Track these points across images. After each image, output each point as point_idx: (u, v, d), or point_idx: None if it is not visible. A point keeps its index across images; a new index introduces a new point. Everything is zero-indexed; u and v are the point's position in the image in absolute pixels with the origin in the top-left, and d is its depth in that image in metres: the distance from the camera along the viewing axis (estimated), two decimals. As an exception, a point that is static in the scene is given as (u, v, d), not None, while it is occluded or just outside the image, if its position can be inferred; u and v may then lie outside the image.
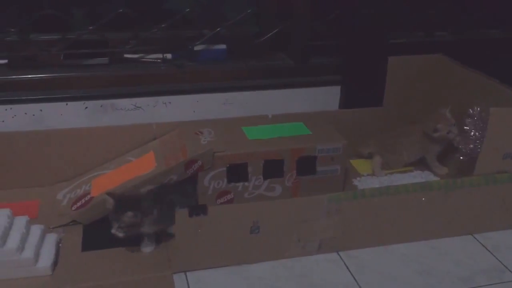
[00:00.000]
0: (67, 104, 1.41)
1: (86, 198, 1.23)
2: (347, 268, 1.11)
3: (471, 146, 1.31)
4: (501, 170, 1.19)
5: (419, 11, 1.63)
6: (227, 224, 1.06)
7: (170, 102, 1.48)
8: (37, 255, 1.05)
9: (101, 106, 1.43)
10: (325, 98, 1.59)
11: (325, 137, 1.31)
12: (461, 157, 1.34)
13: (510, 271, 1.11)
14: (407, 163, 1.46)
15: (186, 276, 1.07)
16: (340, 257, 1.14)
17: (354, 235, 1.14)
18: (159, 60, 1.52)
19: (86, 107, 1.42)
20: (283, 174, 1.28)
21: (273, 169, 1.26)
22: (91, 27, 1.40)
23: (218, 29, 1.51)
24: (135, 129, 1.36)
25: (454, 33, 1.68)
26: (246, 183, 1.26)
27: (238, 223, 1.06)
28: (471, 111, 1.33)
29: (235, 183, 1.25)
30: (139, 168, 1.26)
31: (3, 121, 1.38)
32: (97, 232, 1.17)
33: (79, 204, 1.22)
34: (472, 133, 1.31)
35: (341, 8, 1.55)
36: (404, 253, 1.15)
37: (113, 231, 1.04)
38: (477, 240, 1.20)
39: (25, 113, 1.39)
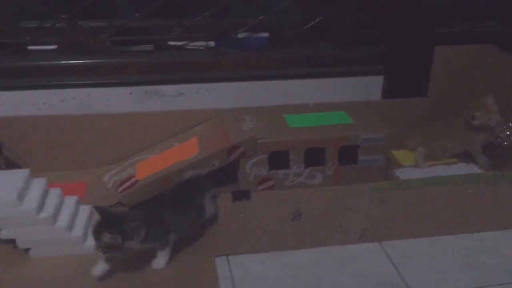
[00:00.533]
0: (113, 89, 1.44)
1: (131, 181, 1.26)
2: (389, 258, 1.10)
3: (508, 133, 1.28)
4: (553, 164, 1.15)
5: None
6: (269, 209, 1.06)
7: (213, 89, 1.49)
8: (85, 234, 1.08)
9: (145, 92, 1.46)
10: (367, 88, 1.57)
11: (368, 127, 1.30)
12: (497, 149, 1.31)
13: (560, 268, 1.07)
14: (451, 155, 1.43)
15: (228, 259, 1.08)
16: (382, 247, 1.13)
17: (397, 226, 1.13)
18: (202, 48, 1.53)
19: (131, 93, 1.45)
20: (325, 163, 1.27)
21: (314, 157, 1.26)
22: (137, 14, 1.42)
23: (261, 17, 1.51)
24: (179, 115, 1.39)
25: (505, 22, 1.63)
26: (287, 171, 1.26)
27: (280, 209, 1.07)
28: None
29: (277, 170, 1.26)
30: (182, 153, 1.29)
31: (52, 105, 1.42)
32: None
33: (124, 186, 1.26)
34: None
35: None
36: (448, 246, 1.13)
37: (94, 248, 0.98)
38: (525, 235, 1.17)
39: (73, 98, 1.43)
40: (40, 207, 1.05)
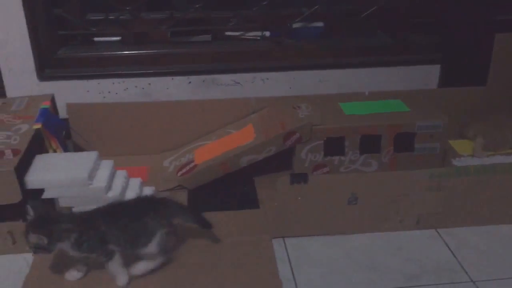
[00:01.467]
0: (172, 78, 1.50)
1: (191, 165, 1.31)
2: (447, 245, 1.09)
3: None
4: None
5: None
6: (326, 193, 1.08)
7: (267, 79, 1.52)
8: (149, 212, 1.14)
9: (203, 81, 1.51)
10: (423, 77, 1.56)
11: (425, 114, 1.30)
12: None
13: None
14: (511, 146, 1.39)
15: (284, 241, 1.11)
16: (439, 234, 1.12)
17: (455, 213, 1.12)
18: (258, 38, 1.57)
19: (190, 82, 1.51)
20: (380, 150, 1.28)
21: (370, 144, 1.27)
22: (196, 6, 1.47)
23: (316, 6, 1.52)
24: (235, 103, 1.43)
25: None
26: (342, 157, 1.28)
27: (337, 193, 1.09)
28: None
29: (332, 156, 1.27)
30: (239, 139, 1.33)
31: (116, 93, 1.50)
32: (201, 196, 1.26)
33: (184, 170, 1.31)
34: None
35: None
36: (509, 235, 1.11)
37: (27, 248, 0.95)
38: None
39: (135, 86, 1.50)
40: (109, 186, 1.11)
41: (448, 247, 1.08)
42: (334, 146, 1.26)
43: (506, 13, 1.53)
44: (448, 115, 1.30)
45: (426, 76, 1.55)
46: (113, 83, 1.49)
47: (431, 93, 1.47)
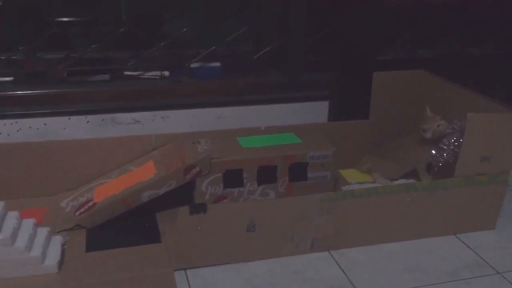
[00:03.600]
0: (69, 118, 1.48)
1: (89, 204, 1.28)
2: (338, 265, 1.17)
3: (444, 155, 1.41)
4: (480, 173, 1.27)
5: (404, 30, 1.75)
6: (225, 222, 1.12)
7: (167, 117, 1.56)
8: (44, 254, 1.09)
9: (102, 120, 1.50)
10: (314, 112, 1.68)
11: (316, 145, 1.40)
12: (436, 168, 1.43)
13: (490, 266, 1.18)
14: (401, 174, 1.52)
15: (186, 273, 1.12)
16: (331, 255, 1.20)
17: (344, 235, 1.21)
18: (157, 77, 1.60)
19: (88, 121, 1.50)
20: (276, 180, 1.35)
21: (266, 175, 1.33)
22: (94, 46, 1.48)
23: (213, 47, 1.60)
24: (135, 141, 1.43)
25: (436, 50, 1.80)
26: (241, 189, 1.32)
27: (236, 222, 1.13)
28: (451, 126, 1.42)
29: (231, 188, 1.32)
30: (140, 176, 1.33)
31: (8, 135, 1.44)
32: (100, 234, 1.23)
33: (82, 210, 1.28)
34: (446, 145, 1.41)
35: (332, 27, 1.66)
36: (392, 251, 1.22)
37: None
38: (460, 239, 1.28)
39: (30, 127, 1.45)
40: (-2, 229, 1.06)
41: (340, 267, 1.16)
42: (233, 178, 1.31)
43: (383, 54, 1.73)
44: (337, 146, 1.41)
45: (317, 111, 1.68)
46: (5, 124, 1.43)
47: (321, 126, 1.59)
